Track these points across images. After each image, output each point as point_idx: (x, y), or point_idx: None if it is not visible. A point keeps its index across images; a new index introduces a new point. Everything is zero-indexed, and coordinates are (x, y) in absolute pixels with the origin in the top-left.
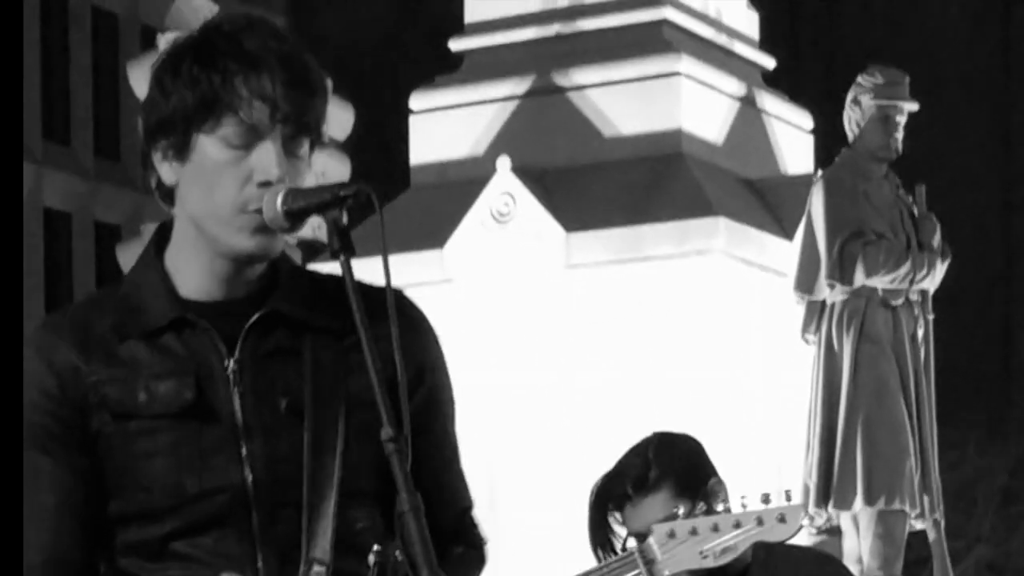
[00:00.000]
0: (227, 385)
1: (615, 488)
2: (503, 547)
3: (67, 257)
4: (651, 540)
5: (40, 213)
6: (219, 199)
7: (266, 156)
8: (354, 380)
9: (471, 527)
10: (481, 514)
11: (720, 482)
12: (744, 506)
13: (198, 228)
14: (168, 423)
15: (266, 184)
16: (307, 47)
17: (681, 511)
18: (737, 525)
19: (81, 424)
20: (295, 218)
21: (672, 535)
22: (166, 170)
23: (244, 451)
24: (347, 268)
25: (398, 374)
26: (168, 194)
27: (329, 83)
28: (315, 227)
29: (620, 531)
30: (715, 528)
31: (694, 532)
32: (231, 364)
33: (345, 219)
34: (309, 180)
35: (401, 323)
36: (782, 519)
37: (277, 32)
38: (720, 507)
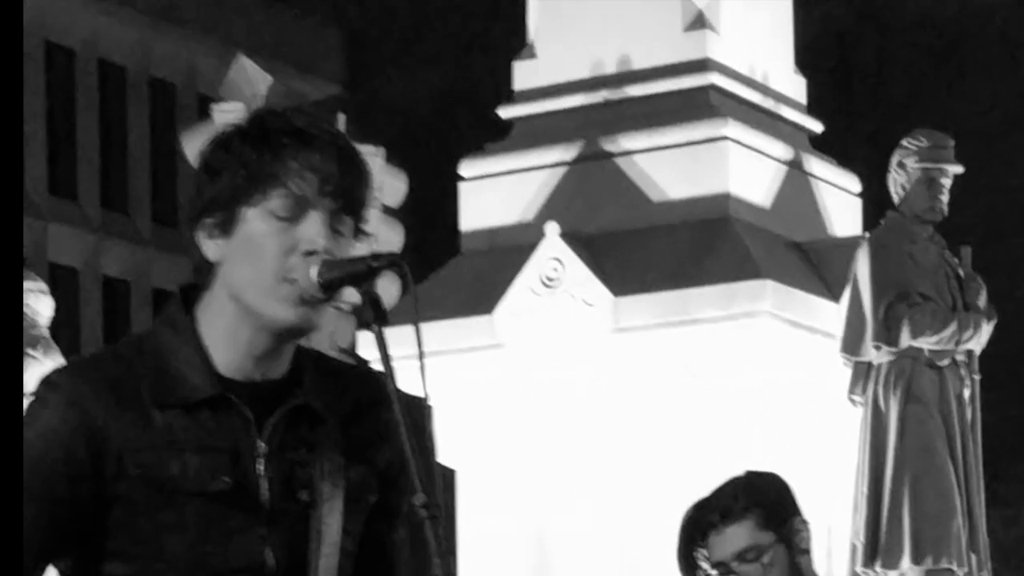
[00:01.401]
0: (256, 468)
1: (702, 516)
2: None
3: (126, 324)
4: None
5: (100, 281)
6: (263, 269)
7: (312, 227)
8: (355, 472)
9: None
10: (536, 571)
11: (804, 521)
12: None
13: (239, 302)
14: (197, 500)
15: (311, 253)
16: (359, 112)
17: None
18: None
19: (93, 487)
20: (329, 289)
21: None
22: (211, 248)
23: (268, 536)
24: (380, 338)
25: (406, 449)
26: (207, 272)
27: (382, 152)
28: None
29: (704, 564)
30: None
31: None
32: (262, 448)
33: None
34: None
35: (387, 405)
36: None
37: (324, 118)
38: (803, 546)
